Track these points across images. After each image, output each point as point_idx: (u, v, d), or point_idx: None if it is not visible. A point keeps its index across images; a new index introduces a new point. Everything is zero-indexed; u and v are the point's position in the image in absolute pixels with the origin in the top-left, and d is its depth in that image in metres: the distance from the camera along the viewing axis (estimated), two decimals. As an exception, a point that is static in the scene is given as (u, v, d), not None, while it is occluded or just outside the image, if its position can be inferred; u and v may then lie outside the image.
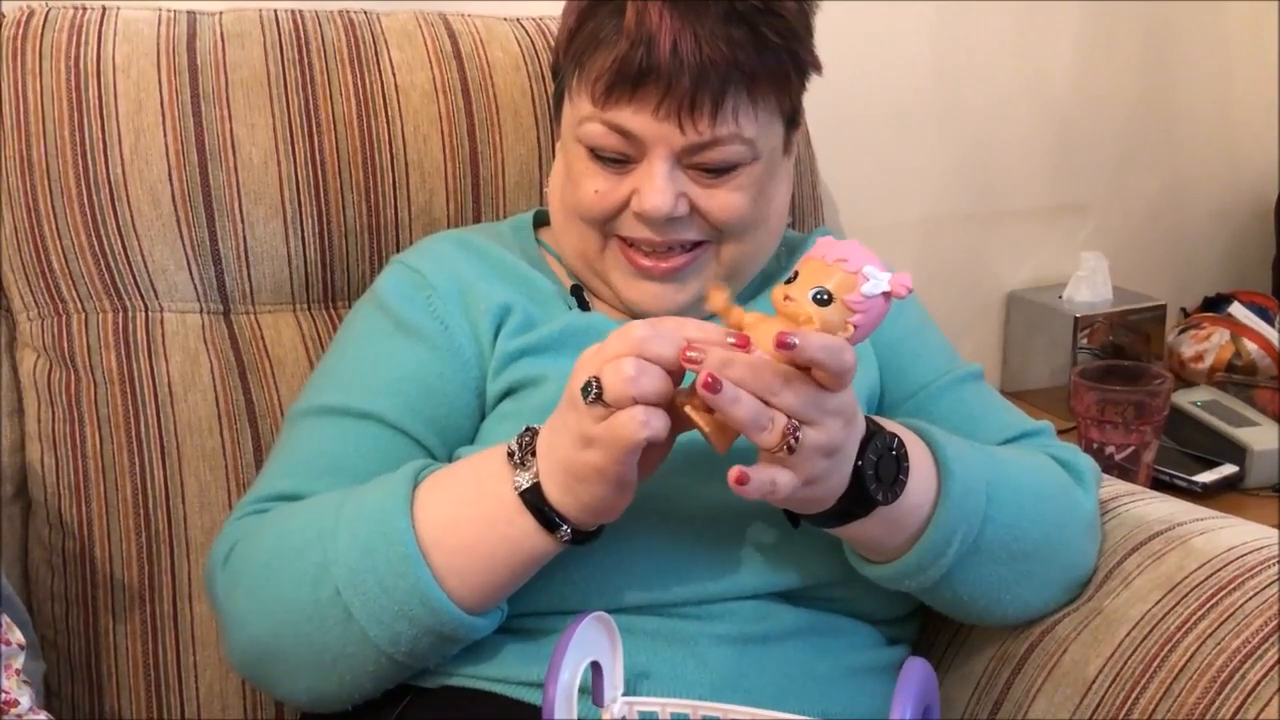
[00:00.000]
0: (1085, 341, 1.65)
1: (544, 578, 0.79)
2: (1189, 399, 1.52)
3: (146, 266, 1.02)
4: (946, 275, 1.71)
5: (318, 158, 1.06)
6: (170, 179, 1.02)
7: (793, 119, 0.91)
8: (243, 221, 1.04)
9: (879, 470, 0.75)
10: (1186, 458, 1.45)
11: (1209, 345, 1.70)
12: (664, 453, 0.76)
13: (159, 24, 1.05)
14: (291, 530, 0.81)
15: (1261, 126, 1.87)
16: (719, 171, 0.87)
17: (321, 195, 1.07)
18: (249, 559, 0.83)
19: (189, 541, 1.00)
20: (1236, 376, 1.61)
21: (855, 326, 0.69)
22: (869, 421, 0.76)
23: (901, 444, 0.76)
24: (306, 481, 0.86)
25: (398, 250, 1.08)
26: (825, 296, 0.69)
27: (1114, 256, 1.71)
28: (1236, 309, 1.72)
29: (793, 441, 0.68)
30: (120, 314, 1.02)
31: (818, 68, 0.90)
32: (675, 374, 0.70)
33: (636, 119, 0.84)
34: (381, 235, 1.10)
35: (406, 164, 1.09)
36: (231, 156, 1.04)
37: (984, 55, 1.67)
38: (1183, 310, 1.83)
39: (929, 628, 0.96)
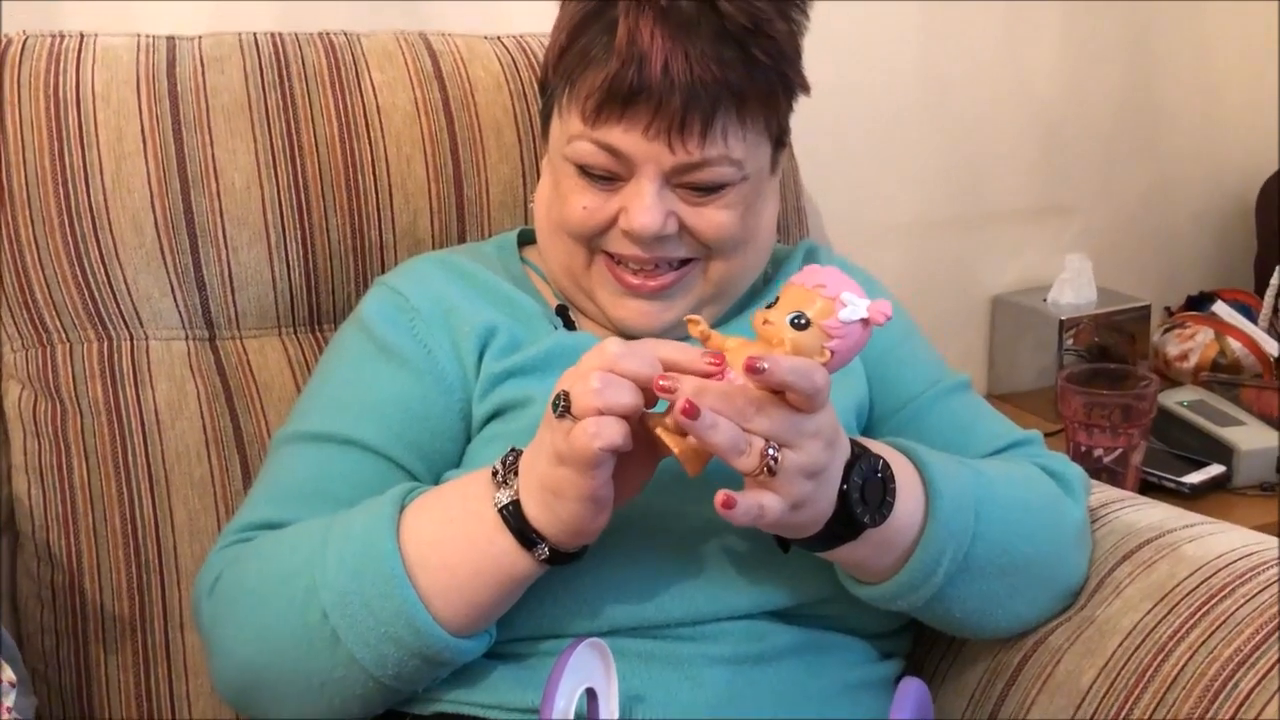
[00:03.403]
0: (1070, 343, 1.66)
1: (534, 601, 0.79)
2: (1175, 399, 1.52)
3: (130, 294, 1.02)
4: (932, 279, 1.71)
5: (300, 181, 1.06)
6: (153, 206, 1.01)
7: (780, 139, 0.91)
8: (226, 247, 1.04)
9: (865, 493, 0.75)
10: (1174, 459, 1.46)
11: (1194, 344, 1.71)
12: (646, 474, 0.76)
13: (138, 50, 1.05)
14: (277, 556, 0.81)
15: (1242, 126, 1.88)
16: (707, 190, 0.87)
17: (305, 218, 1.06)
18: (235, 586, 0.83)
19: (179, 570, 0.99)
20: (1222, 376, 1.61)
21: (833, 352, 0.70)
22: (854, 444, 0.76)
23: (887, 465, 0.76)
24: (290, 509, 0.86)
25: (382, 271, 1.08)
26: (803, 321, 0.70)
27: (1098, 258, 1.72)
28: (1220, 308, 1.73)
29: (771, 464, 0.69)
30: (105, 343, 1.02)
31: (806, 89, 0.90)
32: (649, 394, 0.71)
33: (626, 138, 0.84)
34: (366, 257, 1.09)
35: (390, 185, 1.09)
36: (214, 182, 1.03)
37: (968, 60, 1.67)
38: (1166, 310, 1.84)
39: (922, 641, 0.96)
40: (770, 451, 0.68)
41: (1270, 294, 1.73)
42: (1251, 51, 1.86)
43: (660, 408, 0.71)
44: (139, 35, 1.07)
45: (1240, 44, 1.85)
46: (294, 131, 1.06)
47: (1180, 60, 1.81)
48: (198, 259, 1.03)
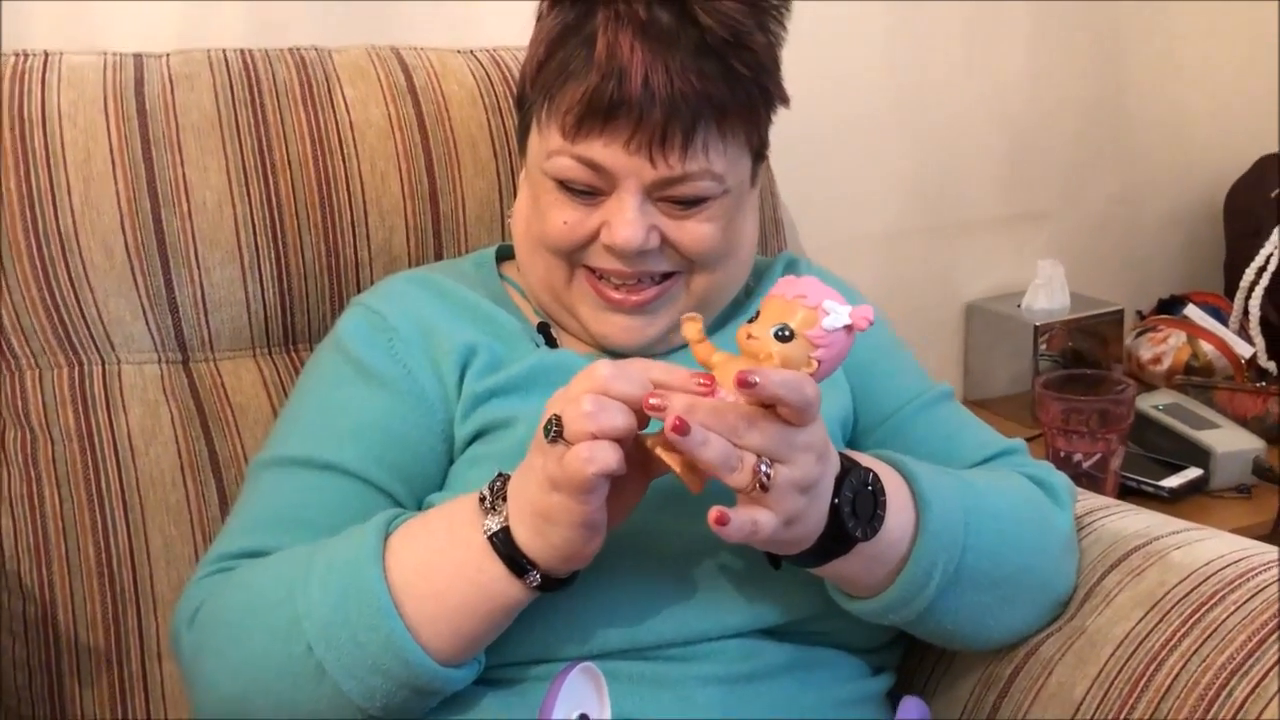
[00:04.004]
0: (1044, 348, 1.67)
1: (523, 625, 0.78)
2: (1150, 403, 1.53)
3: (101, 318, 1.00)
4: (906, 288, 1.71)
5: (273, 199, 1.04)
6: (123, 228, 0.99)
7: (760, 152, 0.91)
8: (199, 268, 1.02)
9: (856, 507, 0.74)
10: (1151, 463, 1.46)
11: (1166, 347, 1.72)
12: (638, 496, 0.75)
13: (105, 69, 1.03)
14: (260, 587, 0.79)
15: (1209, 130, 1.90)
16: (689, 204, 0.86)
17: (279, 237, 1.05)
18: (216, 618, 0.81)
19: (156, 599, 0.97)
20: (1196, 379, 1.62)
21: (819, 362, 0.70)
22: (843, 458, 0.75)
23: (877, 479, 0.76)
24: (271, 537, 0.84)
25: (358, 290, 1.07)
26: (787, 333, 0.69)
27: (1069, 263, 1.73)
28: (1192, 311, 1.74)
29: (764, 479, 0.68)
30: (76, 368, 1.00)
31: (785, 101, 0.90)
32: (641, 415, 0.70)
33: (607, 152, 0.84)
34: (341, 275, 1.08)
35: (364, 202, 1.07)
36: (185, 202, 1.01)
37: (938, 70, 1.68)
38: (1138, 313, 1.85)
39: (912, 653, 0.96)
40: (763, 467, 0.68)
41: (1240, 296, 1.74)
42: (1214, 56, 1.88)
43: (655, 426, 0.70)
44: (105, 53, 1.05)
45: (1203, 49, 1.87)
46: (266, 149, 1.04)
47: (1147, 65, 1.83)
48: (170, 280, 1.01)
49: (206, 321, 1.04)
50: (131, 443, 0.99)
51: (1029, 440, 1.53)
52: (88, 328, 1.00)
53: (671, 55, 0.82)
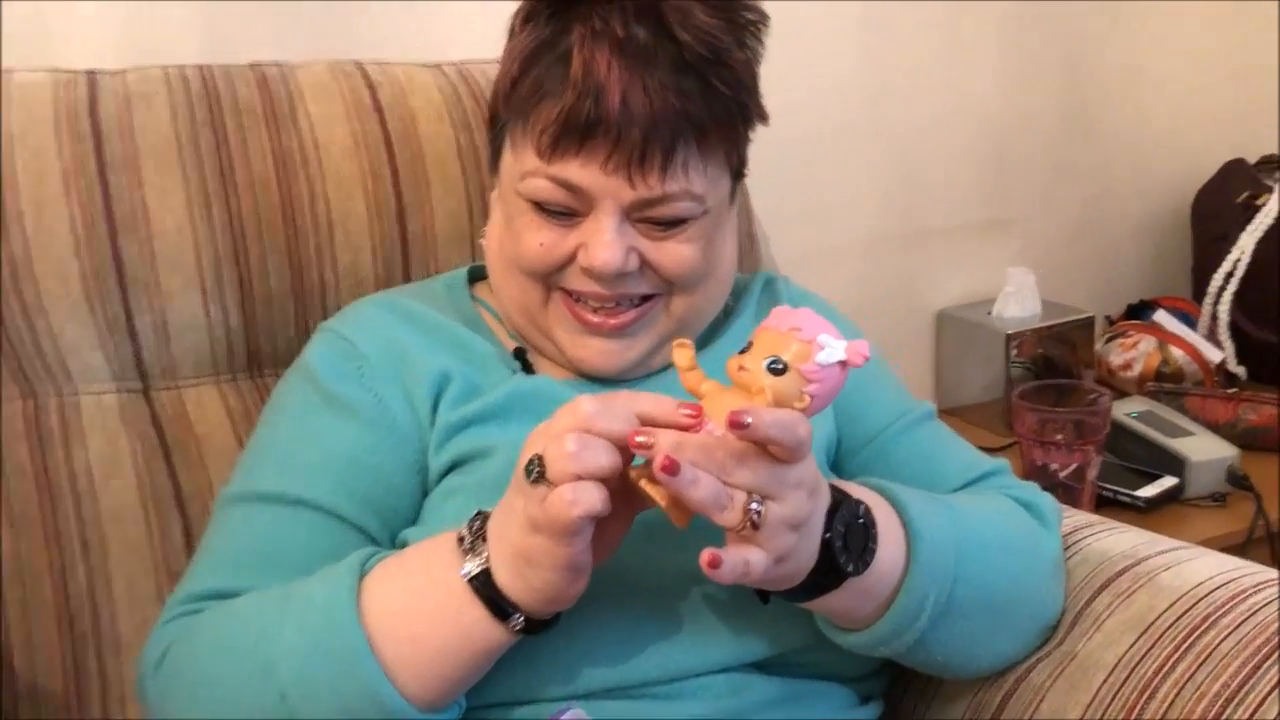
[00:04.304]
0: (1015, 355, 1.66)
1: (504, 666, 0.75)
2: (1124, 411, 1.53)
3: (57, 348, 0.96)
4: (876, 296, 1.71)
5: (236, 222, 1.01)
6: (79, 254, 0.96)
7: (738, 171, 0.89)
8: (159, 293, 0.99)
9: (848, 540, 0.72)
10: (1126, 472, 1.46)
11: (1137, 353, 1.72)
12: (622, 531, 0.73)
13: (56, 87, 0.99)
14: (231, 631, 0.76)
15: (1175, 136, 1.91)
16: (668, 225, 0.84)
17: (242, 261, 1.01)
18: (185, 664, 0.77)
19: (119, 640, 0.94)
20: (1168, 385, 1.62)
21: (812, 396, 0.68)
22: (833, 489, 0.74)
23: (869, 510, 0.74)
24: (241, 577, 0.81)
25: (324, 314, 1.03)
26: (780, 366, 0.67)
27: (1039, 270, 1.72)
28: (1162, 316, 1.74)
29: (755, 517, 0.66)
30: (30, 401, 0.96)
31: (764, 118, 0.88)
32: (626, 450, 0.67)
33: (584, 173, 0.81)
34: (307, 299, 1.04)
35: (330, 223, 1.04)
36: (144, 226, 0.98)
37: (907, 79, 1.67)
38: (1107, 319, 1.85)
39: (898, 681, 0.94)
40: (753, 505, 0.66)
41: (1209, 301, 1.75)
42: (1178, 63, 1.88)
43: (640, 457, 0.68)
44: (56, 71, 1.01)
45: (1168, 57, 1.87)
46: (227, 170, 1.01)
47: (1113, 74, 1.84)
48: (128, 307, 0.98)
49: (168, 348, 1.00)
50: (90, 477, 0.95)
51: (1003, 449, 1.55)
52: (42, 358, 0.96)
53: (649, 73, 0.80)
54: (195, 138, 1.00)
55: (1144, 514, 1.40)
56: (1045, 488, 0.98)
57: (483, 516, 0.73)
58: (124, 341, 0.98)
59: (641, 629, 0.79)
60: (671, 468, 0.64)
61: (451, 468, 0.85)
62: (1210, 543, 1.33)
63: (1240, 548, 1.36)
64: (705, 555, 0.65)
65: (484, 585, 0.70)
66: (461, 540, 0.72)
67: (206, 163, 1.00)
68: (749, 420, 0.64)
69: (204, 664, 0.76)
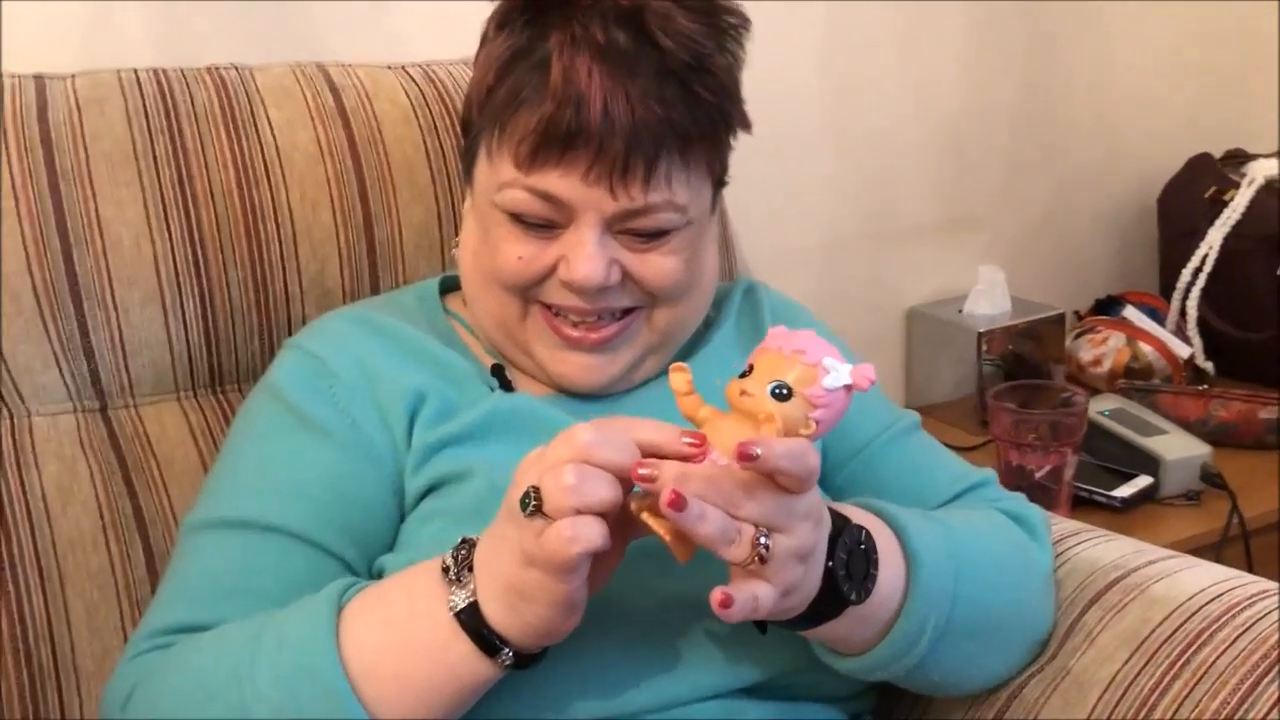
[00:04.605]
0: (985, 351, 1.65)
1: (488, 700, 0.72)
2: (1096, 409, 1.52)
3: (9, 368, 0.92)
4: (845, 295, 1.69)
5: (195, 233, 0.97)
6: (30, 269, 0.91)
7: (721, 179, 0.86)
8: (116, 309, 0.94)
9: (850, 568, 0.70)
10: (1101, 471, 1.45)
11: (1106, 349, 1.72)
12: (616, 562, 0.70)
13: (2, 92, 0.94)
14: (201, 668, 0.72)
15: (1140, 131, 1.90)
16: (651, 236, 0.81)
17: (202, 273, 0.97)
18: (153, 704, 0.73)
19: (79, 672, 0.90)
20: (1139, 382, 1.62)
21: (817, 422, 0.66)
22: (833, 514, 0.71)
23: (869, 536, 0.72)
24: (211, 609, 0.77)
25: (289, 328, 1.00)
26: (785, 391, 0.65)
27: (1007, 267, 1.71)
28: (1130, 312, 1.74)
29: (763, 552, 0.63)
30: (-19, 424, 0.92)
31: (747, 126, 0.85)
32: (626, 480, 0.65)
33: (564, 184, 0.78)
34: (271, 312, 1.01)
35: (294, 233, 1.00)
36: (99, 239, 0.93)
37: (872, 78, 1.66)
38: (1075, 314, 1.85)
39: (886, 697, 0.92)
40: (761, 539, 0.63)
41: (1178, 297, 1.75)
42: (1143, 58, 1.88)
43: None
44: (2, 75, 0.96)
45: (1133, 51, 1.87)
46: (186, 178, 0.97)
47: (1078, 69, 1.83)
48: (84, 324, 0.93)
49: (126, 366, 0.96)
50: (46, 502, 0.91)
51: (973, 450, 1.54)
52: (-7, 379, 0.91)
53: (632, 81, 0.77)
54: (151, 145, 0.96)
55: (1119, 514, 1.39)
56: (1022, 488, 0.97)
57: (468, 544, 0.70)
58: (80, 360, 0.94)
59: (631, 657, 0.76)
60: (678, 503, 0.61)
61: (429, 491, 0.82)
62: (1186, 543, 1.34)
63: (1215, 547, 1.36)
64: (716, 595, 0.63)
65: (471, 618, 0.67)
66: (446, 570, 0.69)
67: (163, 171, 0.96)
68: (758, 452, 0.61)
69: (173, 705, 0.72)
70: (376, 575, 0.80)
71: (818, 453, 0.64)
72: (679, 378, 0.67)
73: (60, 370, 0.93)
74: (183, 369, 0.99)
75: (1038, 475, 1.36)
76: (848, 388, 0.65)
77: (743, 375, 0.66)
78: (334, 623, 0.70)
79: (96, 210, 0.94)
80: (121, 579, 0.92)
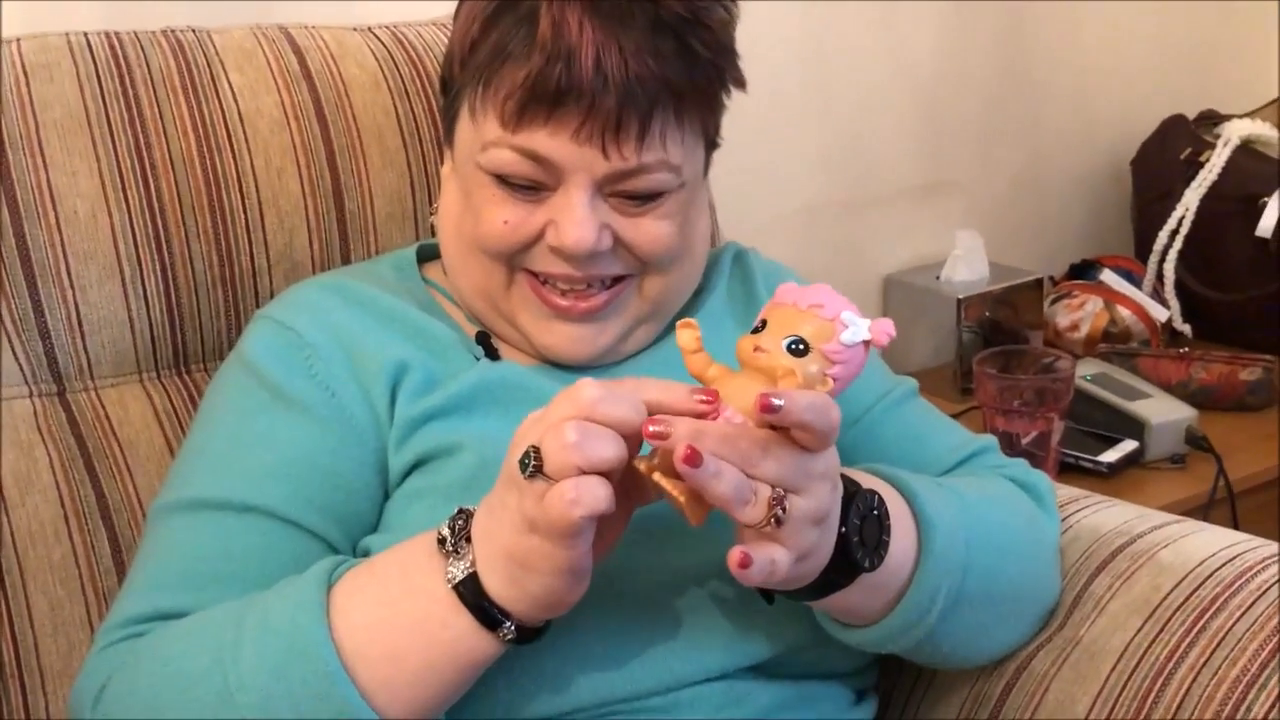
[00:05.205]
0: (964, 317, 1.63)
1: (484, 681, 0.68)
2: (1078, 373, 1.50)
3: (-42, 351, 0.86)
4: (822, 263, 1.67)
5: (155, 204, 0.92)
6: (-22, 244, 0.86)
7: (713, 140, 0.83)
8: (72, 286, 0.89)
9: (863, 534, 0.67)
10: (1086, 436, 1.44)
11: (1084, 314, 1.70)
12: (621, 528, 0.67)
13: (-58, 58, 0.89)
14: (180, 655, 0.68)
15: (1113, 92, 1.89)
16: (644, 199, 0.78)
17: (163, 247, 0.92)
18: (129, 696, 0.69)
19: (43, 671, 0.85)
20: (1120, 346, 1.61)
21: (834, 379, 0.62)
22: (845, 479, 0.68)
23: (883, 502, 0.69)
24: (187, 594, 0.73)
25: (256, 302, 0.95)
26: (801, 346, 0.62)
27: (984, 232, 1.69)
28: (1108, 276, 1.72)
29: (780, 513, 0.60)
30: (-69, 410, 0.86)
31: (742, 84, 0.81)
32: (633, 440, 0.61)
33: (553, 143, 0.74)
34: (237, 286, 0.96)
35: (260, 202, 0.95)
36: (52, 212, 0.88)
37: (847, 43, 1.63)
38: (1050, 279, 1.83)
39: (892, 671, 0.89)
40: (778, 499, 0.60)
41: (1154, 260, 1.73)
42: (1116, 21, 1.86)
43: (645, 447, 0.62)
44: (-58, 40, 0.91)
45: (1106, 15, 1.85)
46: (144, 147, 0.92)
47: (1051, 31, 1.81)
48: (38, 303, 0.88)
49: (84, 346, 0.91)
50: (2, 492, 0.86)
51: (961, 414, 1.52)
52: (-58, 363, 0.86)
53: (625, 34, 0.73)
54: (105, 112, 0.91)
55: (1106, 479, 1.38)
56: (1008, 454, 0.94)
57: (465, 514, 0.66)
58: (34, 341, 0.89)
59: (632, 637, 0.73)
60: (694, 459, 0.57)
61: (414, 467, 0.78)
62: (1173, 506, 1.32)
63: (1202, 509, 1.35)
64: (735, 555, 0.60)
65: (471, 591, 0.64)
66: (443, 542, 0.65)
67: (119, 139, 0.91)
68: (780, 403, 0.58)
69: (151, 695, 0.68)
70: (362, 556, 0.76)
71: (839, 409, 0.61)
72: (687, 334, 0.63)
73: (14, 352, 0.88)
74: (145, 348, 0.94)
75: (1024, 442, 1.34)
76: (866, 343, 0.62)
77: (754, 331, 0.63)
78: (323, 602, 0.66)
79: (49, 181, 0.88)
80: (86, 571, 0.87)
